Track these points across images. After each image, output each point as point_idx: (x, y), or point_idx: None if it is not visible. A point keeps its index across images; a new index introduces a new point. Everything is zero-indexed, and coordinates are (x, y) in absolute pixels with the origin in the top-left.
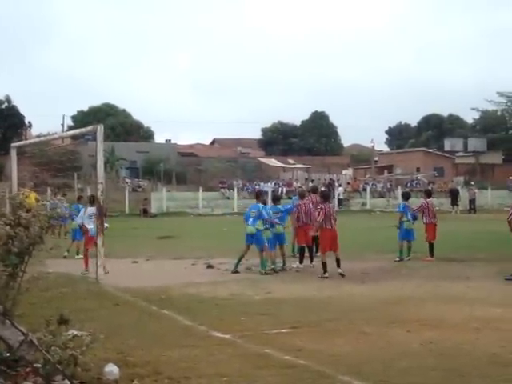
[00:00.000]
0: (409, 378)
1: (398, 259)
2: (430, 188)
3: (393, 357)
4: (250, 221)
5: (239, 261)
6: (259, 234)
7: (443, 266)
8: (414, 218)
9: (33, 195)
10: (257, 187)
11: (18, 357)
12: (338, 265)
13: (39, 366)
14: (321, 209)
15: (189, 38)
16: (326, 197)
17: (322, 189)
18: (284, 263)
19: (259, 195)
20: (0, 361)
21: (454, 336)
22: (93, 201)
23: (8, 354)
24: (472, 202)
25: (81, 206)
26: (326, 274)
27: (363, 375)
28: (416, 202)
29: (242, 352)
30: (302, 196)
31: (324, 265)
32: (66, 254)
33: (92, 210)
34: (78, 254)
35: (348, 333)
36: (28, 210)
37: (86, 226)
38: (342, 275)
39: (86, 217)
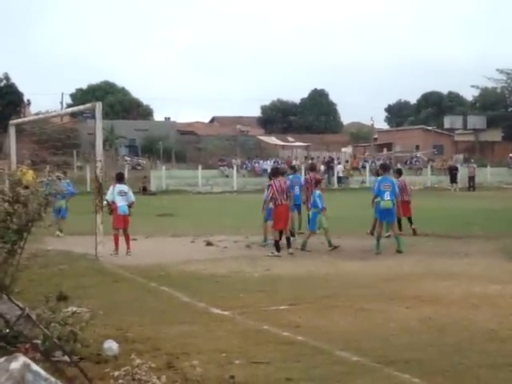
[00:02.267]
0: (407, 354)
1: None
2: (400, 167)
3: (391, 333)
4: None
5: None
6: None
7: (442, 243)
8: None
9: (30, 173)
10: (256, 165)
11: (17, 333)
12: (289, 244)
13: (38, 342)
14: (270, 185)
15: (189, 15)
16: (277, 173)
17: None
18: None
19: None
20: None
21: (453, 312)
22: (121, 178)
23: (8, 331)
24: (471, 179)
25: (66, 182)
26: (279, 253)
27: (362, 351)
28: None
29: (240, 328)
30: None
31: (277, 243)
32: (60, 234)
33: (121, 187)
34: (60, 232)
35: (346, 309)
36: (26, 187)
37: (117, 203)
38: (290, 254)
39: (115, 194)
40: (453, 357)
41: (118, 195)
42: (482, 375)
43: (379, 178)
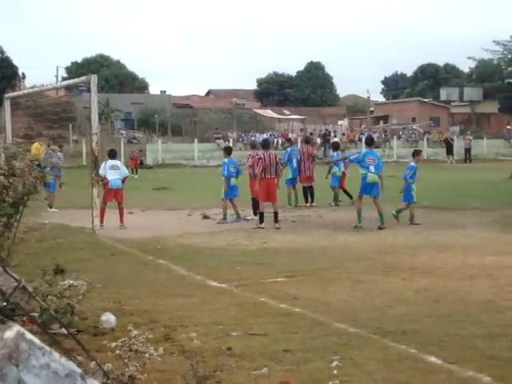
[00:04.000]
0: (404, 325)
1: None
2: (338, 141)
3: (388, 304)
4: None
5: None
6: None
7: (438, 215)
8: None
9: (35, 146)
10: (252, 138)
11: (14, 305)
12: (276, 219)
13: (36, 314)
14: (259, 158)
15: None
16: (267, 146)
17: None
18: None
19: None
20: None
21: (449, 283)
22: (113, 154)
23: (5, 304)
24: (467, 151)
25: (60, 154)
26: (262, 225)
27: (358, 323)
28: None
29: (238, 301)
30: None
31: (261, 215)
32: (54, 209)
33: (113, 162)
34: (50, 207)
35: (343, 281)
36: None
37: (108, 177)
38: (278, 229)
39: (107, 168)
40: (449, 327)
41: (110, 169)
42: (478, 345)
43: (364, 150)
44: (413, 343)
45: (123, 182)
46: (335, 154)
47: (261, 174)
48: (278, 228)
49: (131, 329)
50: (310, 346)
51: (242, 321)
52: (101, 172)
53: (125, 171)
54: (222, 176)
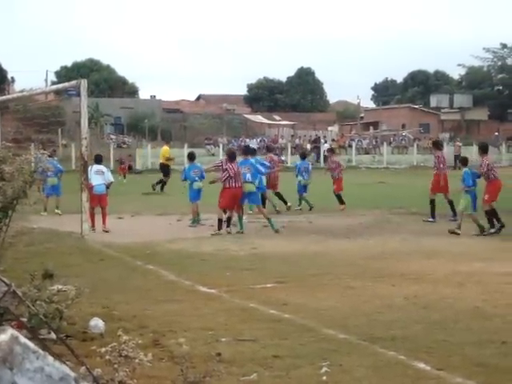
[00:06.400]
0: (393, 332)
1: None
2: (331, 147)
3: (377, 310)
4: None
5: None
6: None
7: (427, 222)
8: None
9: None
10: (242, 143)
11: (4, 310)
12: (228, 224)
13: (25, 319)
14: (225, 169)
15: None
16: (233, 156)
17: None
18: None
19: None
20: None
21: (438, 290)
22: (99, 160)
23: None
24: (457, 157)
25: (55, 160)
26: (221, 231)
27: (348, 329)
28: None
29: (227, 306)
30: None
31: (220, 221)
32: (44, 213)
33: (98, 167)
34: (57, 209)
35: (333, 287)
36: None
37: (92, 182)
38: (229, 233)
39: (92, 174)
40: (438, 334)
41: (95, 174)
42: (467, 352)
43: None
44: (402, 349)
45: (108, 187)
46: (298, 163)
47: (225, 183)
48: (228, 232)
49: (121, 334)
50: (300, 351)
51: (232, 326)
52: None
53: (109, 177)
54: (181, 180)
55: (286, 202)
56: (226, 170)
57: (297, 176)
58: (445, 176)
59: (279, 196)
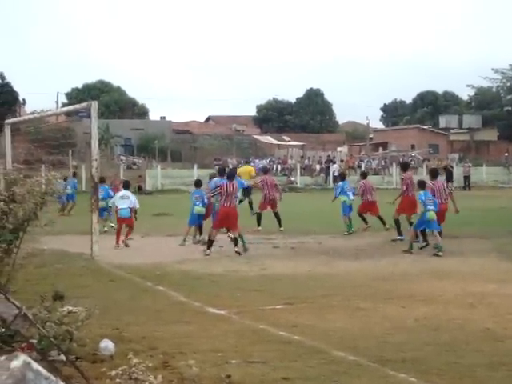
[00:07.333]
0: (403, 353)
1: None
2: (365, 171)
3: (387, 332)
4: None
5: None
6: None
7: None
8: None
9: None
10: (252, 164)
11: (14, 332)
12: (235, 243)
13: (35, 341)
14: (219, 187)
15: (185, 13)
16: (228, 175)
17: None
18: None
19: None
20: None
21: (448, 311)
22: (126, 186)
23: (3, 330)
24: (466, 178)
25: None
26: (208, 252)
27: (358, 351)
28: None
29: (237, 328)
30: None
31: (210, 242)
32: (105, 229)
33: (124, 192)
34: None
35: (343, 309)
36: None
37: (118, 206)
38: (238, 253)
39: (118, 198)
40: (449, 356)
41: (121, 199)
42: (478, 374)
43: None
44: (412, 371)
45: (135, 212)
46: (341, 183)
47: (221, 202)
48: (237, 252)
49: (131, 357)
50: (309, 374)
51: (241, 348)
52: (111, 201)
53: (135, 203)
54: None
55: (280, 224)
56: (221, 187)
57: (338, 196)
58: (409, 198)
59: (277, 216)
